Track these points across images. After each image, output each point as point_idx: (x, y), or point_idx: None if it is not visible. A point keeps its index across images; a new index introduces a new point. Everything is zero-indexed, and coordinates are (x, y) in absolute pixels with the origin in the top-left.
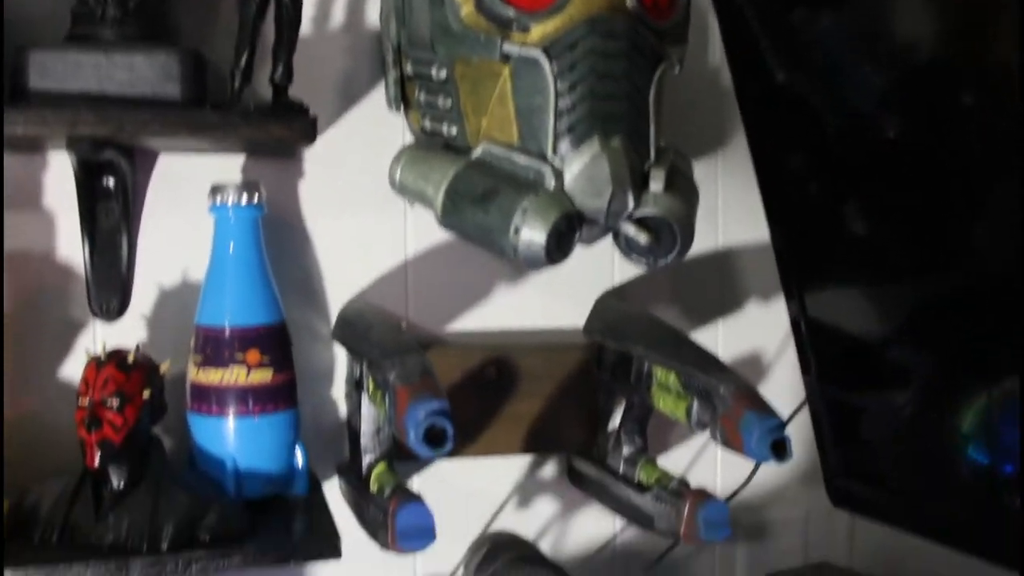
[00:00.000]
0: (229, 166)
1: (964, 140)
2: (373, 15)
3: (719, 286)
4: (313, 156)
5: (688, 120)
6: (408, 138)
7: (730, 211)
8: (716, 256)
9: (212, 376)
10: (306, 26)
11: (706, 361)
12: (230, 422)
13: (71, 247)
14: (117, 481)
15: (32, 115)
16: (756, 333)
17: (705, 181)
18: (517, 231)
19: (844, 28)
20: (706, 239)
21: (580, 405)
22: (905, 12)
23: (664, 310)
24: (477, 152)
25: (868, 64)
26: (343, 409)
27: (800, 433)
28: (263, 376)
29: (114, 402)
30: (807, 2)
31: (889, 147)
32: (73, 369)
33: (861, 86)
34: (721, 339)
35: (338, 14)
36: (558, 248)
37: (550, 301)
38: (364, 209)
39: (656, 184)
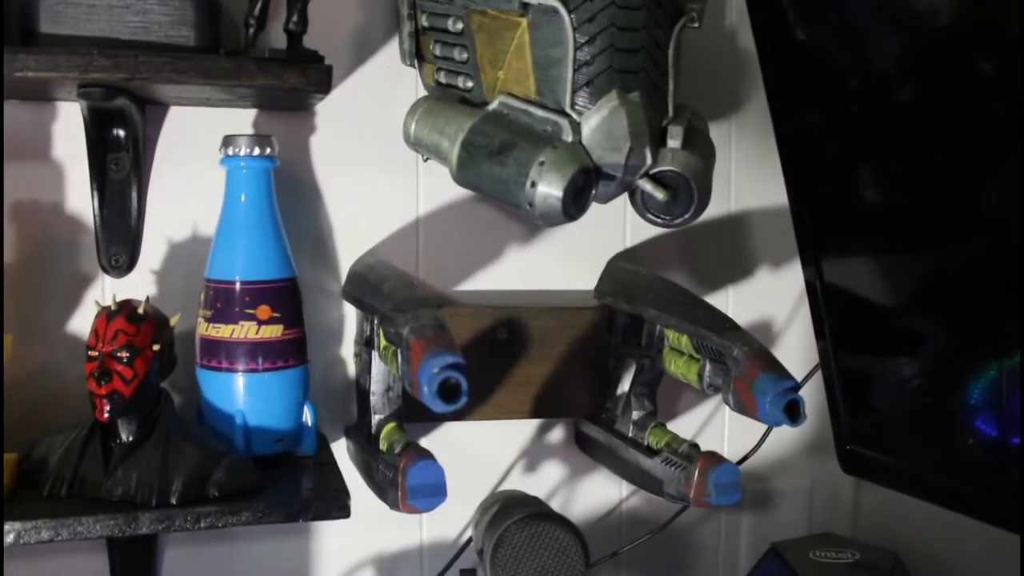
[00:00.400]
0: (240, 120)
1: (988, 103)
2: None
3: (731, 251)
4: (325, 111)
5: (702, 83)
6: (422, 92)
7: (743, 175)
8: (728, 220)
9: (222, 331)
10: None
11: (720, 323)
12: (239, 377)
13: (80, 199)
14: (126, 434)
15: (44, 59)
16: (766, 299)
17: (719, 145)
18: (534, 185)
19: None
20: (719, 203)
21: (590, 369)
22: None
23: (675, 274)
24: (494, 105)
25: (892, 23)
26: (352, 370)
27: (808, 403)
28: (273, 331)
29: (124, 354)
30: None
31: (912, 110)
32: (81, 323)
33: (885, 45)
34: (731, 304)
35: None
36: (574, 203)
37: (562, 263)
38: (376, 166)
39: (674, 140)
